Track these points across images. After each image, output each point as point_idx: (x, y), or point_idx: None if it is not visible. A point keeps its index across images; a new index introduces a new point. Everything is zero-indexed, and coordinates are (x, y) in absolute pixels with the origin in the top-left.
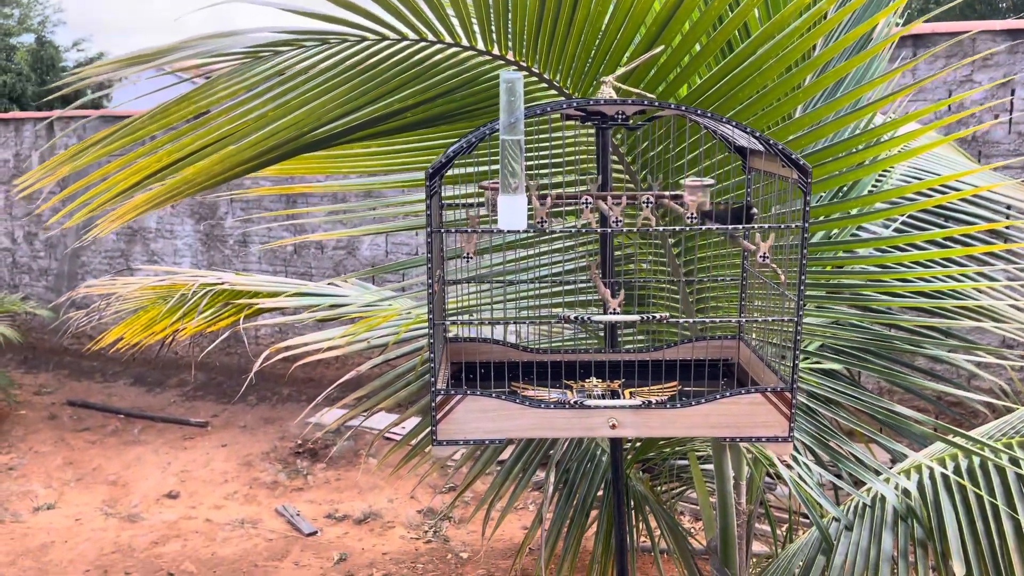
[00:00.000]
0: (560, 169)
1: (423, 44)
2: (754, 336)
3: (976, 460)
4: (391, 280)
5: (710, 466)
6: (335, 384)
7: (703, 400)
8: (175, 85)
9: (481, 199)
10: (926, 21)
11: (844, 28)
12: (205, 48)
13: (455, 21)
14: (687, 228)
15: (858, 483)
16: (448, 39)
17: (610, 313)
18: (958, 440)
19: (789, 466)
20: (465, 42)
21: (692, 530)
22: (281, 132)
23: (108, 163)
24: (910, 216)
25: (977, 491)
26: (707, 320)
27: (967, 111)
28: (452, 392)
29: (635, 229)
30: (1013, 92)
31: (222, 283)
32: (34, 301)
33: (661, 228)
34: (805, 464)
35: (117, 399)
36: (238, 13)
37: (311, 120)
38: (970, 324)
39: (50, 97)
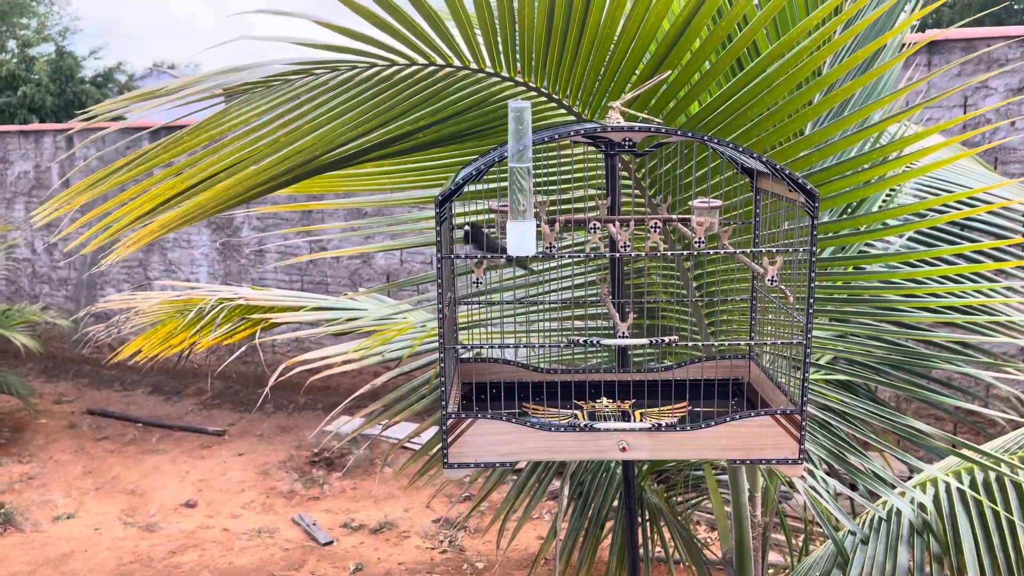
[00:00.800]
0: (570, 186)
1: (432, 68)
2: (767, 353)
3: (992, 473)
4: (406, 290)
5: (726, 476)
6: (352, 396)
7: (713, 423)
8: (193, 102)
9: (492, 219)
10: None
11: (853, 46)
12: (217, 83)
13: (462, 44)
14: (694, 252)
15: (874, 495)
16: (456, 62)
17: (619, 336)
18: (972, 455)
19: (803, 478)
20: (474, 64)
21: (708, 540)
22: (293, 156)
23: (124, 191)
24: (924, 230)
25: (994, 506)
26: (715, 343)
27: (978, 112)
28: (463, 415)
29: (643, 254)
30: None
31: (238, 298)
32: (54, 311)
33: (670, 253)
34: (822, 479)
35: (136, 408)
36: (255, 22)
37: (323, 144)
38: (984, 339)
39: (81, 113)
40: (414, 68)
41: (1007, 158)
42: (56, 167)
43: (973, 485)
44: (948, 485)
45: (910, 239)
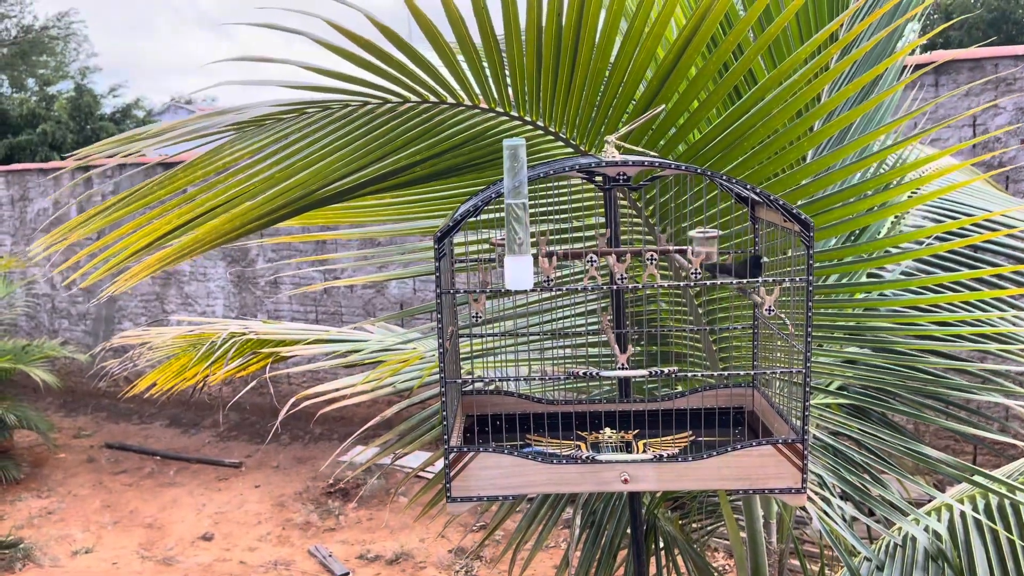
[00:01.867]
0: (570, 215)
1: (426, 105)
2: (777, 380)
3: (1007, 499)
4: (420, 319)
5: (741, 503)
6: (365, 427)
7: (714, 453)
8: (206, 143)
9: (491, 253)
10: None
11: (852, 72)
12: (205, 125)
13: (453, 82)
14: (691, 283)
15: (890, 521)
16: (450, 99)
17: (619, 367)
18: (983, 481)
19: (814, 502)
20: (467, 101)
21: (726, 568)
22: (289, 192)
23: (119, 227)
24: (927, 257)
25: (1009, 536)
26: (715, 373)
27: (987, 135)
28: (465, 449)
29: (640, 286)
30: None
31: (248, 332)
32: (73, 345)
33: (667, 284)
34: (838, 506)
35: (153, 440)
36: (267, 64)
37: (318, 179)
38: (993, 367)
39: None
40: (408, 105)
41: (1018, 176)
42: (75, 205)
43: (988, 510)
44: (963, 511)
45: (916, 263)
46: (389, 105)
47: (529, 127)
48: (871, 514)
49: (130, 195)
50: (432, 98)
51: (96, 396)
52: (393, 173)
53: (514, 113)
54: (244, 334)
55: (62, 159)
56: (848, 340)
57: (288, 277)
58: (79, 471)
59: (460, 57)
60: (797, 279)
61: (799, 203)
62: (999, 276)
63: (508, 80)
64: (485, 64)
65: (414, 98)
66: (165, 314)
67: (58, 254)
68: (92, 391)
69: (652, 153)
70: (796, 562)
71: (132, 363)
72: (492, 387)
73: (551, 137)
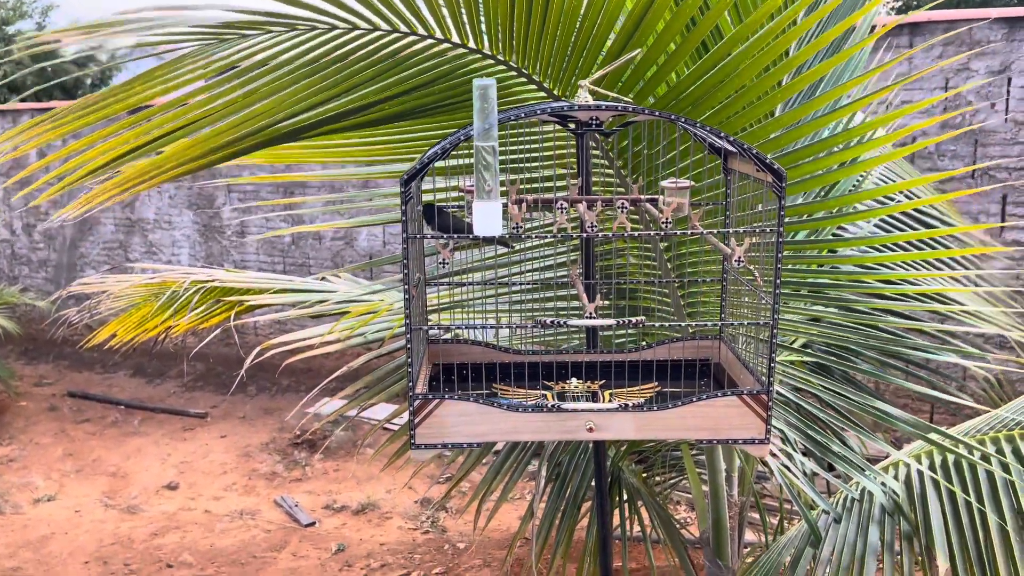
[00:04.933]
0: (541, 164)
1: (396, 35)
2: (742, 336)
3: (963, 452)
4: (388, 271)
5: (704, 457)
6: (331, 377)
7: (680, 403)
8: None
9: (462, 201)
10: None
11: (820, 28)
12: (167, 20)
13: (427, 14)
14: (662, 233)
15: (849, 476)
16: (421, 31)
17: (587, 317)
18: (937, 438)
19: (776, 456)
20: (439, 35)
21: (687, 520)
22: (251, 120)
23: (76, 140)
24: (888, 218)
25: (951, 486)
26: (682, 324)
27: (957, 90)
28: (430, 396)
29: (610, 235)
30: (1010, 81)
31: (212, 280)
32: (33, 292)
33: (637, 234)
34: (801, 464)
35: (117, 390)
36: None
37: (283, 108)
38: (948, 327)
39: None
40: (377, 34)
41: (987, 140)
42: (35, 150)
43: (944, 465)
44: (919, 468)
45: (876, 226)
46: (358, 32)
47: (503, 67)
48: (831, 469)
49: (87, 106)
50: (403, 27)
51: (58, 344)
52: (361, 109)
53: (487, 51)
54: (208, 282)
55: (21, 103)
56: (813, 297)
57: (256, 228)
58: (41, 419)
59: None
60: (769, 229)
61: (770, 156)
62: (935, 240)
63: (482, 16)
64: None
65: (384, 26)
66: (129, 262)
67: (19, 198)
68: (54, 339)
69: (626, 98)
70: (756, 515)
71: (91, 312)
72: (459, 336)
73: (524, 80)
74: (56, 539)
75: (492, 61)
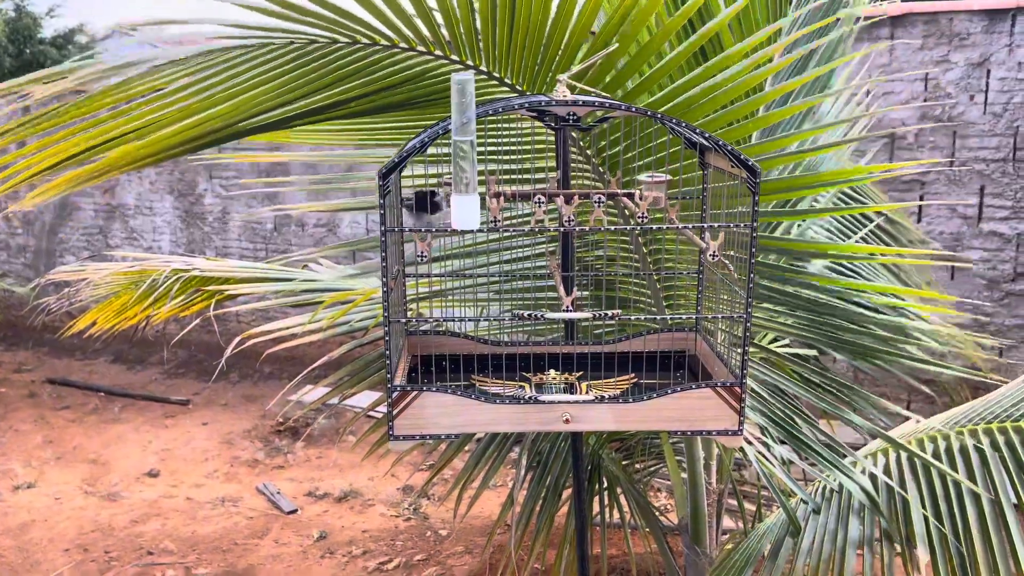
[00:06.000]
0: (519, 158)
1: (358, 46)
2: (720, 331)
3: (942, 444)
4: (370, 255)
5: (683, 444)
6: (314, 365)
7: (655, 395)
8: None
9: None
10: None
11: (802, 21)
12: (130, 63)
13: (383, 26)
14: (637, 227)
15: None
16: (384, 41)
17: (564, 310)
18: (892, 441)
19: (752, 444)
20: (403, 44)
21: (667, 507)
22: (208, 122)
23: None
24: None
25: (936, 466)
26: (658, 317)
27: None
28: (409, 388)
29: (587, 228)
30: (988, 73)
31: (192, 269)
32: (12, 278)
33: (613, 228)
34: (780, 456)
35: (97, 377)
36: None
37: (241, 111)
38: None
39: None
40: (337, 46)
41: (965, 132)
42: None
43: (922, 449)
44: (898, 455)
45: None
46: (317, 44)
47: (474, 71)
48: (807, 457)
49: (39, 116)
50: (363, 39)
51: (38, 331)
52: (327, 107)
53: (454, 57)
54: (187, 271)
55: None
56: (784, 304)
57: (238, 214)
58: (20, 406)
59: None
60: (742, 225)
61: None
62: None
63: (442, 24)
64: (412, 11)
65: (343, 39)
66: (109, 248)
67: None
68: (33, 326)
69: (603, 93)
70: (734, 502)
71: (70, 300)
72: (437, 327)
73: (495, 82)
74: (36, 526)
75: (460, 67)
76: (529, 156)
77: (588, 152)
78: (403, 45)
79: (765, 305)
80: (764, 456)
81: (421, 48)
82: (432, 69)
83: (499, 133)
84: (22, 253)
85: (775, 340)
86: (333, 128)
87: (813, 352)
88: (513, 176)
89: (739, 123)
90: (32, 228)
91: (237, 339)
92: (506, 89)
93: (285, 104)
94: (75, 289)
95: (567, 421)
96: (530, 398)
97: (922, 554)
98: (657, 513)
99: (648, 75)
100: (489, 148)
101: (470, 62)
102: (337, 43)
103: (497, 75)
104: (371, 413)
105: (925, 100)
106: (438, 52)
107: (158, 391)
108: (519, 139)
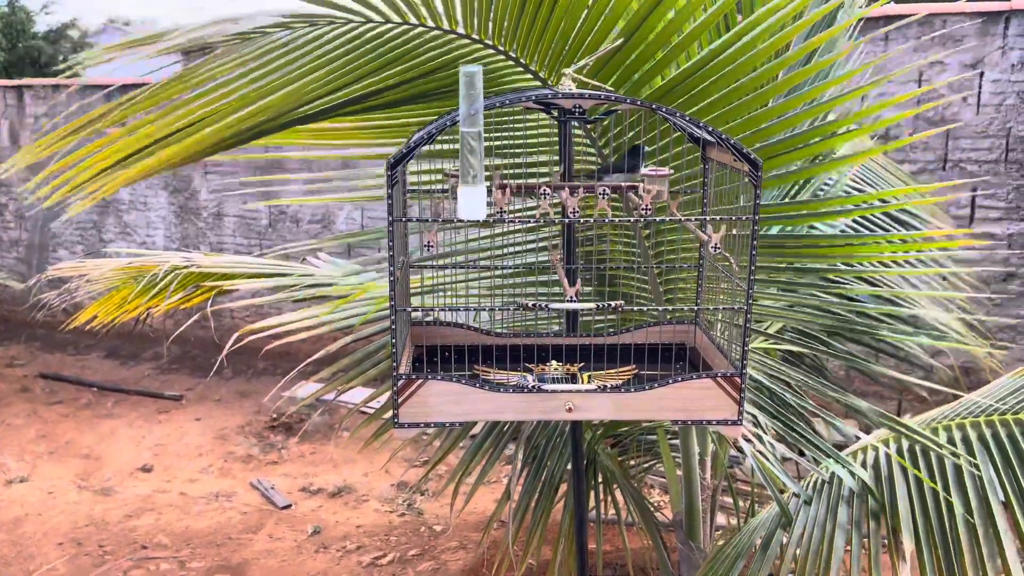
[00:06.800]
0: (527, 150)
1: (406, 27)
2: (720, 322)
3: (943, 436)
4: (365, 252)
5: (679, 441)
6: (308, 360)
7: (656, 385)
8: (168, 52)
9: (446, 184)
10: (897, 2)
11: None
12: (200, 35)
13: (439, 5)
14: (641, 219)
15: (818, 459)
16: (431, 23)
17: (567, 301)
18: (898, 424)
19: (750, 441)
20: (447, 26)
21: (661, 503)
22: (261, 112)
23: (84, 145)
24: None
25: (918, 472)
26: (661, 309)
27: (929, 87)
28: (414, 376)
29: (591, 220)
30: (982, 75)
31: (191, 265)
32: (5, 272)
33: (617, 220)
34: (770, 443)
35: (90, 372)
36: None
37: (292, 101)
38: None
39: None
40: (389, 26)
41: (959, 133)
42: (5, 125)
43: (912, 450)
44: (887, 449)
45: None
46: (370, 25)
47: (501, 58)
48: (801, 454)
49: (103, 114)
50: (412, 19)
51: (31, 325)
52: (365, 96)
53: (489, 41)
54: (186, 267)
55: None
56: (790, 286)
57: (233, 210)
58: (13, 400)
59: None
60: (744, 217)
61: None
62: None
63: (493, 6)
64: None
65: (395, 18)
66: (103, 243)
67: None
68: (26, 320)
69: (608, 87)
70: (728, 499)
71: (70, 296)
72: (441, 318)
73: (520, 69)
74: (30, 520)
75: (493, 51)
76: (534, 150)
77: (593, 135)
78: (447, 27)
79: (770, 291)
80: (757, 449)
81: (461, 31)
82: (467, 55)
83: (506, 126)
84: (15, 247)
85: (781, 330)
86: (335, 127)
87: (808, 344)
88: (519, 171)
89: (742, 119)
90: (25, 222)
91: (235, 335)
92: (529, 77)
93: (331, 92)
94: (76, 285)
95: (570, 410)
96: (534, 387)
97: (908, 543)
98: (652, 509)
99: (665, 54)
100: (496, 141)
101: (502, 47)
102: (389, 23)
103: (524, 61)
104: (365, 408)
105: (919, 102)
106: (475, 35)
107: (152, 387)
108: (524, 131)
